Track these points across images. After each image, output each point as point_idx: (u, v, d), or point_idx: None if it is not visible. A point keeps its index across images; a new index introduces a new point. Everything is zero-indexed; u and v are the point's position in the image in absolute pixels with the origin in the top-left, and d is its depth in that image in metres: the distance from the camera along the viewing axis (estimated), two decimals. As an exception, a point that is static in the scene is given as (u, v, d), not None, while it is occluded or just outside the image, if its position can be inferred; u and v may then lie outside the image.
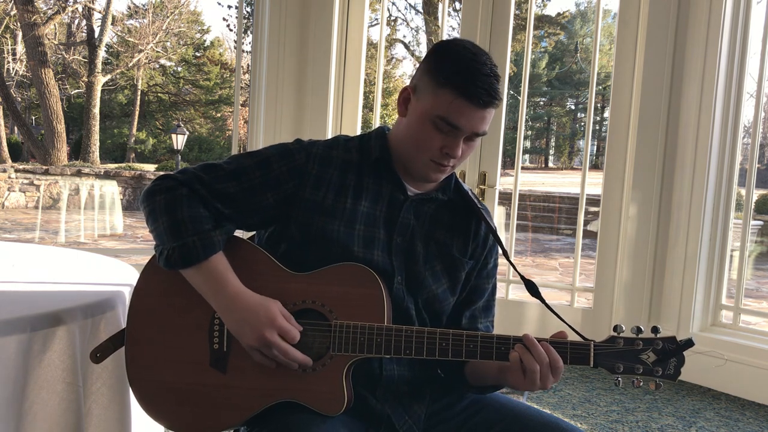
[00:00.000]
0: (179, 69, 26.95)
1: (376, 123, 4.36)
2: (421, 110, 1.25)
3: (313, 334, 1.24)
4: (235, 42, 19.95)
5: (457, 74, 1.21)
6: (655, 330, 1.19)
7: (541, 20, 22.92)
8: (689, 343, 1.17)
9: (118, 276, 1.74)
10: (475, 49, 1.25)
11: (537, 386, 1.19)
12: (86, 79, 21.21)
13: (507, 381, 1.26)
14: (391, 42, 22.06)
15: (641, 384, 1.19)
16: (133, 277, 1.72)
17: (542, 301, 1.36)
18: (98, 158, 20.69)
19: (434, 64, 1.26)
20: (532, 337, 1.20)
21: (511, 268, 1.44)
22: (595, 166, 19.83)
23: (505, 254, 1.41)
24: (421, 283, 1.33)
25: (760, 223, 12.43)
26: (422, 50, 22.94)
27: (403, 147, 1.31)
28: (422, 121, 1.25)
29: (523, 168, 9.57)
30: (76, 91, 24.07)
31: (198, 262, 1.23)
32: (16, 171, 14.66)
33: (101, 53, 21.65)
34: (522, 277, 1.39)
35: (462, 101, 1.21)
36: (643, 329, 1.20)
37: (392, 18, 22.30)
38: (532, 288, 1.36)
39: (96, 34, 21.81)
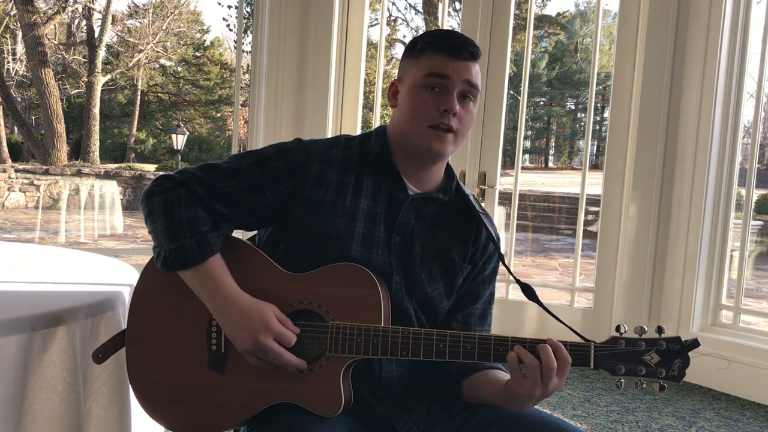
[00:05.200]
0: (179, 69, 26.94)
1: (376, 123, 4.36)
2: (408, 85, 1.30)
3: (310, 335, 1.24)
4: (235, 42, 19.94)
5: (430, 40, 1.29)
6: (659, 330, 1.17)
7: (541, 20, 22.92)
8: (695, 344, 1.15)
9: (118, 276, 1.74)
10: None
11: (537, 389, 1.16)
12: (86, 79, 21.20)
13: (508, 394, 1.22)
14: (391, 42, 22.05)
15: (644, 386, 1.17)
16: (133, 277, 1.72)
17: (540, 304, 1.35)
18: (98, 158, 20.68)
19: (409, 49, 1.34)
20: (556, 341, 1.17)
21: (512, 267, 1.43)
22: (595, 166, 19.81)
23: (504, 263, 1.39)
24: (416, 284, 1.32)
25: (760, 223, 12.44)
26: (422, 50, 22.83)
27: (401, 130, 1.32)
28: (413, 92, 1.29)
29: (523, 168, 9.57)
30: (76, 91, 24.05)
31: (194, 264, 1.23)
32: (16, 171, 14.65)
33: (101, 53, 21.63)
34: (518, 282, 1.37)
35: (441, 56, 1.27)
36: (646, 329, 1.17)
37: (392, 18, 22.31)
38: (528, 292, 1.35)
39: (96, 34, 21.80)
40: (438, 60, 1.27)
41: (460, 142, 1.32)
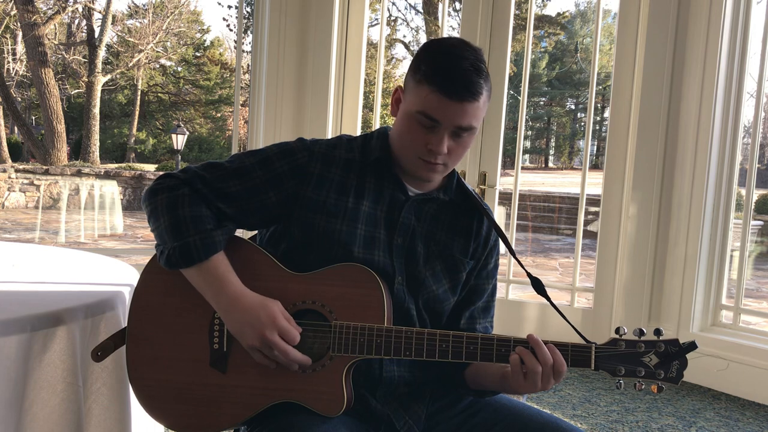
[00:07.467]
0: (179, 69, 26.94)
1: (376, 123, 4.36)
2: (406, 108, 1.26)
3: (313, 335, 1.24)
4: (235, 42, 19.95)
5: (434, 69, 1.21)
6: (657, 332, 1.18)
7: (541, 20, 22.91)
8: (692, 346, 1.17)
9: (118, 276, 1.74)
10: (457, 44, 1.24)
11: (538, 388, 1.19)
12: (86, 79, 21.20)
13: (508, 386, 1.25)
14: (391, 42, 22.03)
15: (643, 387, 1.18)
16: (133, 277, 1.72)
17: (548, 299, 1.35)
18: (98, 158, 20.68)
19: (416, 62, 1.26)
20: (537, 337, 1.19)
21: (512, 267, 1.44)
22: (595, 166, 19.82)
23: (511, 251, 1.41)
24: (421, 284, 1.33)
25: (760, 223, 12.45)
26: (422, 50, 22.86)
27: (395, 146, 1.31)
28: (407, 119, 1.25)
29: (523, 168, 9.57)
30: (76, 91, 24.05)
31: (199, 261, 1.23)
32: (16, 171, 14.64)
33: (101, 53, 21.63)
34: (529, 275, 1.38)
35: (437, 95, 1.20)
36: (645, 331, 1.19)
37: (392, 18, 22.29)
38: (538, 286, 1.35)
39: (96, 34, 21.80)
40: (433, 100, 1.20)
41: (453, 167, 1.32)
